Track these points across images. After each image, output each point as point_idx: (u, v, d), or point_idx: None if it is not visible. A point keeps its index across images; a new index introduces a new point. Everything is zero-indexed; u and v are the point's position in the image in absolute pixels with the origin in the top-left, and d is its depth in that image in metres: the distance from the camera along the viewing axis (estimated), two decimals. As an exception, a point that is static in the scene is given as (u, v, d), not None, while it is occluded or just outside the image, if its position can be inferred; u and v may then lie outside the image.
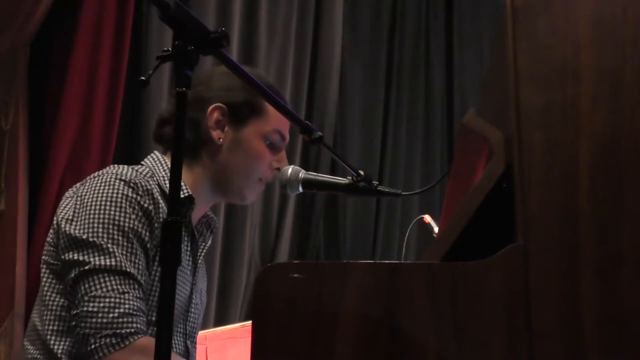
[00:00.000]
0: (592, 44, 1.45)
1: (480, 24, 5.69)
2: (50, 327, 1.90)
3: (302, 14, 4.84)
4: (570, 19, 1.46)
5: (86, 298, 1.81)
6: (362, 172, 1.98)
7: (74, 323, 1.84)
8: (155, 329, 1.84)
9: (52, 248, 1.94)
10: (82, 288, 1.82)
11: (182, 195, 1.99)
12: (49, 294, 1.92)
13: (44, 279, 1.94)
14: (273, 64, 4.63)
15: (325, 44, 4.96)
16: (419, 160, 5.43)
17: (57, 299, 1.91)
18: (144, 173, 1.98)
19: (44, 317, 1.91)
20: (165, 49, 1.43)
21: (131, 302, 1.81)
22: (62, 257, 1.87)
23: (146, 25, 3.92)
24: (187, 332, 2.08)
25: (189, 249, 2.07)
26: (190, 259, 2.08)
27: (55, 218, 1.96)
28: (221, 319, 4.13)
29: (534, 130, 1.41)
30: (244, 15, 4.49)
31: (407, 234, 3.46)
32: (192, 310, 2.10)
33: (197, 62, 1.43)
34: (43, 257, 1.97)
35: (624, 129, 1.41)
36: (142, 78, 1.43)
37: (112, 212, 1.87)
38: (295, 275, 1.33)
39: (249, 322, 3.05)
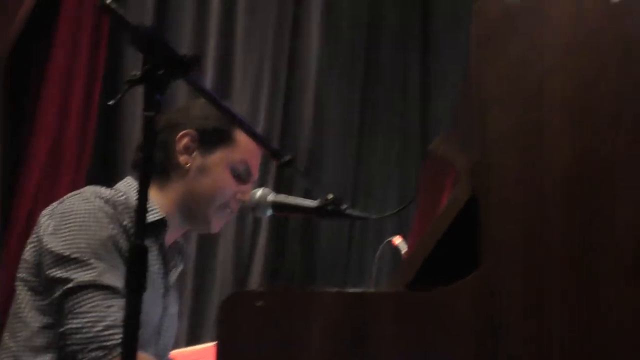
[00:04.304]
0: (559, 69, 1.46)
1: (457, 40, 5.68)
2: (29, 344, 1.89)
3: (278, 30, 4.83)
4: (538, 44, 1.47)
5: (70, 316, 1.81)
6: (331, 195, 1.98)
7: (61, 342, 1.83)
8: None
9: (29, 265, 1.93)
10: (67, 306, 1.82)
11: (154, 218, 2.01)
12: (26, 311, 1.91)
13: (21, 297, 1.93)
14: (248, 80, 4.62)
15: (302, 60, 4.95)
16: (394, 178, 5.42)
17: (35, 316, 1.90)
18: (118, 195, 1.99)
19: (21, 334, 1.90)
20: (134, 73, 1.42)
21: (116, 315, 1.80)
22: (46, 274, 1.87)
23: (122, 42, 3.90)
24: (159, 354, 2.08)
25: (162, 272, 2.07)
26: (162, 282, 2.08)
27: (34, 235, 1.95)
28: (193, 339, 4.09)
29: (501, 155, 1.42)
30: (220, 32, 4.48)
31: (377, 256, 3.45)
32: (163, 334, 2.10)
33: (168, 87, 1.43)
34: (19, 274, 1.95)
35: (591, 155, 1.42)
36: (111, 102, 1.43)
37: (94, 228, 1.88)
38: (261, 304, 1.33)
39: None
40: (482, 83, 1.45)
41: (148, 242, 1.41)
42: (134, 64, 3.78)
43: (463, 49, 5.45)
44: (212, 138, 2.09)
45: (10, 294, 2.01)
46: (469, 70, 1.51)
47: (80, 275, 1.83)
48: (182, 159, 2.08)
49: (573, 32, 1.48)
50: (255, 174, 2.17)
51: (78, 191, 1.98)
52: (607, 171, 1.42)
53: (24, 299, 1.92)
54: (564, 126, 1.44)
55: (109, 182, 2.10)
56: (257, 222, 4.59)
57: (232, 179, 2.11)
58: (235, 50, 4.53)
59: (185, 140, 2.08)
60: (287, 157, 1.79)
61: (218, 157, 2.10)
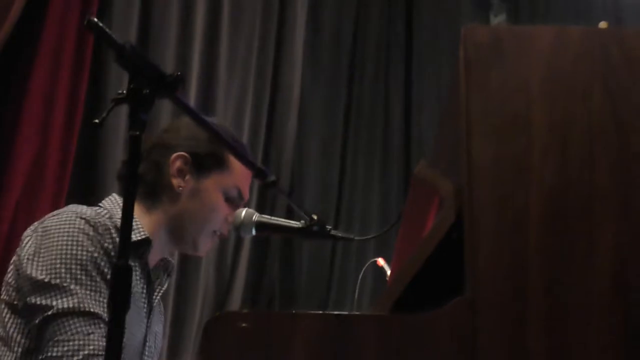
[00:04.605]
0: (543, 97, 1.47)
1: (439, 61, 5.73)
2: None
3: (262, 50, 4.85)
4: (522, 72, 1.48)
5: (50, 343, 1.79)
6: (315, 216, 1.98)
7: None
8: None
9: (12, 288, 1.91)
10: (48, 333, 1.80)
11: (139, 238, 2.00)
12: (10, 333, 1.88)
13: (6, 320, 1.89)
14: (232, 99, 4.63)
15: (284, 80, 4.97)
16: (375, 198, 5.44)
17: (19, 339, 1.87)
18: (102, 214, 1.97)
19: (5, 358, 1.87)
20: (120, 91, 1.42)
21: (96, 343, 1.78)
22: (26, 300, 1.84)
23: (106, 59, 3.90)
24: (142, 373, 2.06)
25: (144, 291, 2.06)
26: (146, 301, 2.07)
27: (16, 257, 1.93)
28: (174, 355, 4.09)
29: (485, 182, 1.43)
30: (204, 50, 4.49)
31: (360, 277, 3.46)
32: (146, 352, 2.08)
33: (152, 106, 1.43)
34: (3, 297, 1.92)
35: (573, 182, 1.43)
36: (96, 121, 1.42)
37: (75, 251, 1.85)
38: (244, 325, 1.33)
39: None
40: (468, 108, 1.46)
41: (130, 261, 1.40)
42: (117, 79, 3.78)
43: (445, 70, 5.52)
44: (205, 162, 2.08)
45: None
46: (455, 94, 1.52)
47: (60, 302, 1.81)
48: (175, 182, 2.07)
49: (558, 59, 1.50)
50: (247, 197, 2.17)
51: (59, 211, 1.96)
52: (589, 200, 1.43)
53: (7, 322, 1.89)
54: (548, 153, 1.45)
55: (91, 196, 2.09)
56: (238, 241, 4.59)
57: (225, 203, 2.10)
58: (219, 70, 4.54)
59: (178, 164, 2.07)
60: (272, 178, 1.79)
61: (211, 182, 2.09)
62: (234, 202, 2.12)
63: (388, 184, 5.48)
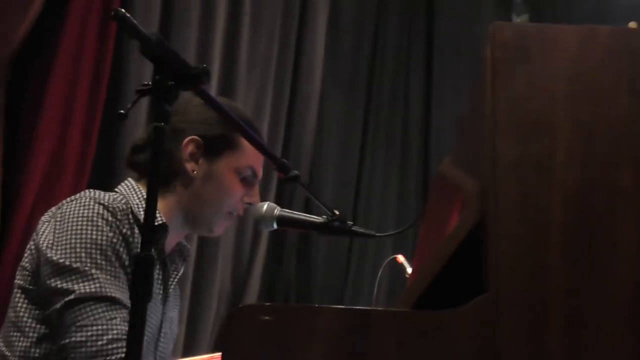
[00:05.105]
0: (568, 98, 1.47)
1: (460, 60, 5.71)
2: (28, 356, 1.87)
3: (283, 44, 4.85)
4: (548, 72, 1.48)
5: (73, 328, 1.79)
6: (337, 212, 1.98)
7: (63, 354, 1.81)
8: None
9: (27, 273, 1.91)
10: (69, 318, 1.80)
11: (155, 223, 1.98)
12: (24, 319, 1.88)
13: (20, 305, 1.90)
14: (252, 93, 4.63)
15: (305, 75, 4.97)
16: (393, 197, 5.43)
17: (34, 326, 1.88)
18: (118, 199, 1.97)
19: (18, 344, 1.88)
20: (145, 83, 1.42)
21: (119, 327, 1.78)
22: (46, 284, 1.84)
23: (127, 53, 3.90)
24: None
25: (160, 277, 2.06)
26: (161, 287, 2.07)
27: (32, 242, 1.93)
28: (190, 349, 4.09)
29: (509, 182, 1.42)
30: (225, 44, 4.49)
31: (380, 273, 3.45)
32: (162, 339, 2.09)
33: (177, 98, 1.43)
34: (17, 281, 1.93)
35: (597, 184, 1.42)
36: (121, 111, 1.42)
37: (94, 235, 1.85)
38: (265, 318, 1.33)
39: (218, 354, 3.02)
40: (494, 107, 1.45)
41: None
42: (138, 78, 3.78)
43: (465, 70, 5.50)
44: (217, 144, 2.07)
45: (7, 301, 1.99)
46: (480, 92, 1.51)
47: (81, 287, 1.81)
48: (189, 166, 2.05)
49: (584, 59, 1.49)
50: (260, 175, 2.15)
51: (76, 196, 1.95)
52: (612, 201, 1.42)
53: (22, 307, 1.90)
54: (572, 154, 1.44)
55: (110, 187, 2.08)
56: (256, 234, 4.59)
57: (239, 183, 2.09)
58: (239, 67, 4.53)
59: (190, 148, 2.06)
60: (294, 173, 1.79)
61: (224, 163, 2.08)
62: (248, 181, 2.11)
63: (406, 183, 5.47)
